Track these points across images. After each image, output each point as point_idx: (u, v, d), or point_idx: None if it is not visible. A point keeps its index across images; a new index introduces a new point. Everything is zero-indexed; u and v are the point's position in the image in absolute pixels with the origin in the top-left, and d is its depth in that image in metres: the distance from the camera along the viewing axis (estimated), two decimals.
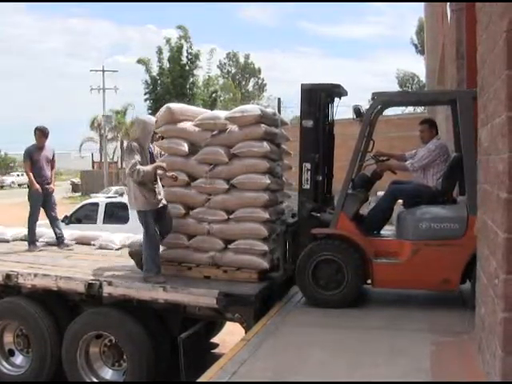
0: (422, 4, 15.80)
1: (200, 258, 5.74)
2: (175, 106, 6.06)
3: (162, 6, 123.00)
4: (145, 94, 25.80)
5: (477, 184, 3.94)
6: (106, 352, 5.61)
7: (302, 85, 5.46)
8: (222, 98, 32.43)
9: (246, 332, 4.93)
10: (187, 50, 25.31)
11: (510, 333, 2.79)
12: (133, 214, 11.09)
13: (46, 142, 7.46)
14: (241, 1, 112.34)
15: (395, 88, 46.07)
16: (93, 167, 49.03)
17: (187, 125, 5.84)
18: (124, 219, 10.96)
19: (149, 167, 5.45)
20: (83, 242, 7.78)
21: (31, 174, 7.27)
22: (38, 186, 7.23)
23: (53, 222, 7.50)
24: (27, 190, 7.54)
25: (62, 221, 9.77)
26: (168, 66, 25.30)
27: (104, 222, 11.08)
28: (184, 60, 25.30)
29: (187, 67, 25.30)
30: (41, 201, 7.35)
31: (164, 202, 5.65)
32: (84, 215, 11.63)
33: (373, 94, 5.43)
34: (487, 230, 3.40)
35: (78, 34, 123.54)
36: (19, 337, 6.08)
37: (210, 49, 27.39)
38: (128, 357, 5.38)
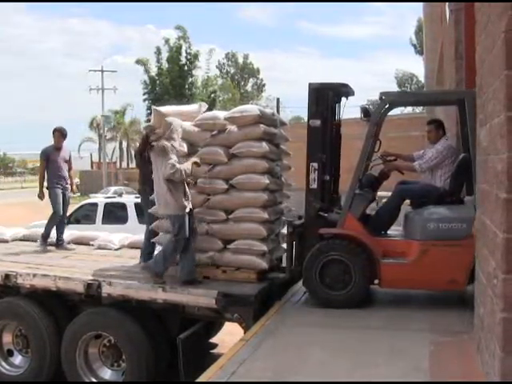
0: (421, 4, 15.80)
1: (199, 258, 5.73)
2: (162, 107, 6.04)
3: (162, 6, 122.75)
4: (143, 94, 25.85)
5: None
6: (105, 352, 5.61)
7: (310, 84, 5.44)
8: (220, 99, 32.51)
9: (245, 332, 4.92)
10: (186, 51, 25.36)
11: (509, 333, 2.79)
12: (132, 215, 11.25)
13: (64, 142, 7.55)
14: (241, 1, 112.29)
15: (394, 88, 46.18)
16: (92, 167, 49.05)
17: (186, 125, 5.84)
18: (123, 219, 10.96)
19: (188, 164, 5.33)
20: (82, 242, 7.78)
21: (43, 177, 7.32)
22: (44, 192, 7.36)
23: (59, 223, 7.51)
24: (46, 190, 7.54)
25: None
26: (167, 66, 25.33)
27: (103, 223, 11.07)
28: (183, 60, 25.34)
29: (186, 67, 25.34)
30: (61, 199, 7.39)
31: (191, 205, 5.49)
32: (83, 215, 11.62)
33: (380, 93, 5.41)
34: (486, 230, 3.41)
35: (76, 33, 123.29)
36: (18, 337, 6.08)
37: (209, 49, 27.47)
38: (127, 357, 5.38)
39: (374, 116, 5.34)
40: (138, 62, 25.95)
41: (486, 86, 3.41)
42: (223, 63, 57.45)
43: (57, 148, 7.45)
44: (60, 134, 7.46)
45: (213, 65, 30.61)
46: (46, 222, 7.58)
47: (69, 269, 6.12)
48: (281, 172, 6.15)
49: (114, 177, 38.79)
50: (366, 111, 5.46)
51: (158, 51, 25.41)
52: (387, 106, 5.39)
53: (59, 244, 7.43)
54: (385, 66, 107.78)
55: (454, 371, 3.67)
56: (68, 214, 11.31)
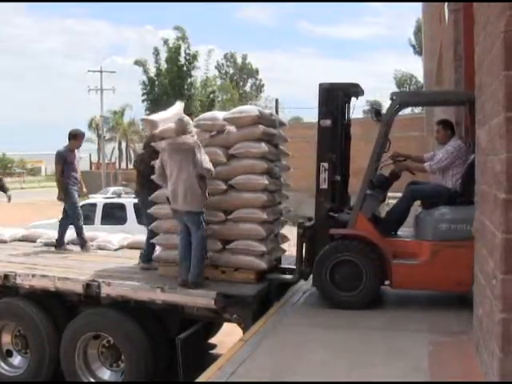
0: (420, 4, 15.80)
1: None
2: (150, 116, 6.05)
3: (161, 6, 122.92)
4: (142, 94, 25.82)
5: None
6: (104, 352, 5.61)
7: (321, 84, 5.43)
8: (219, 99, 32.48)
9: (244, 332, 4.92)
10: (185, 51, 25.33)
11: (508, 333, 2.80)
12: (131, 215, 11.24)
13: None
14: (240, 1, 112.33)
15: (393, 88, 46.22)
16: (91, 168, 48.99)
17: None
18: (122, 220, 10.95)
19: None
20: None
21: (64, 180, 7.28)
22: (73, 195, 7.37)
23: (77, 224, 7.50)
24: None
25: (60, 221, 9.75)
26: (166, 66, 25.31)
27: (102, 223, 11.07)
28: (182, 61, 25.31)
29: (185, 68, 25.31)
30: (77, 201, 7.45)
31: None
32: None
33: (391, 93, 5.40)
34: (485, 231, 3.41)
35: (75, 34, 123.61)
36: (17, 337, 6.07)
37: (208, 49, 27.45)
38: (126, 357, 5.38)
39: (385, 116, 5.32)
40: (137, 62, 25.93)
41: (485, 86, 3.41)
42: (222, 64, 57.44)
43: (71, 150, 7.47)
44: (83, 137, 7.60)
45: (212, 65, 30.63)
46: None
47: (68, 269, 6.11)
48: (280, 172, 6.15)
49: (112, 177, 38.71)
50: (377, 112, 5.46)
51: (157, 52, 25.40)
52: (398, 107, 5.38)
53: (59, 245, 7.41)
54: (384, 67, 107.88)
55: (454, 371, 3.67)
56: None
